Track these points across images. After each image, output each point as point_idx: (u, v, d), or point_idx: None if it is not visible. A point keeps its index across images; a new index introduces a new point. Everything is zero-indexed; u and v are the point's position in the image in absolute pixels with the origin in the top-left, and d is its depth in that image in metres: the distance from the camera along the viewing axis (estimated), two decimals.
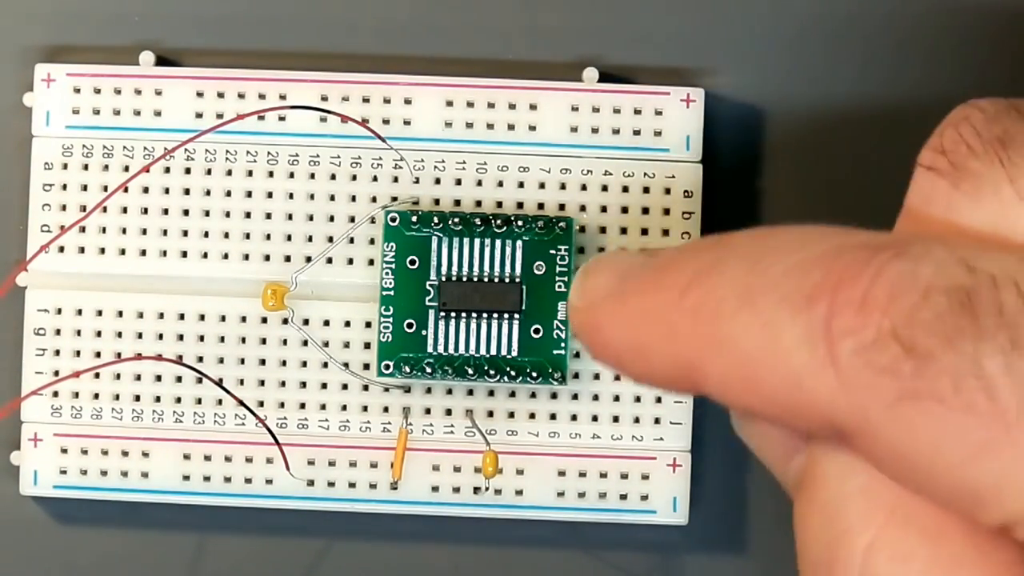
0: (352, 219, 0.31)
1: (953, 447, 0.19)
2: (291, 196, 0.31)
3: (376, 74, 0.31)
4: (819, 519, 0.21)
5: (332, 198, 0.31)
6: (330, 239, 0.31)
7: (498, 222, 0.30)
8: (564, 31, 0.31)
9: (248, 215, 0.31)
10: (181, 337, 0.31)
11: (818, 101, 0.31)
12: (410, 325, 0.30)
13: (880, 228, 0.31)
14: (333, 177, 0.31)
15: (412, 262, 0.30)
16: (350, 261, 0.31)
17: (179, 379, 0.31)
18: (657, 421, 0.31)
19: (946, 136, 0.22)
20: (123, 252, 0.31)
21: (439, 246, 0.30)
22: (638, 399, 0.31)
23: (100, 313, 0.31)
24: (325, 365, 0.31)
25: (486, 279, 0.30)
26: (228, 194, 0.31)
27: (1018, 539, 0.19)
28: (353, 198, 0.31)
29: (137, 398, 0.31)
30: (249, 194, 0.31)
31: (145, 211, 0.31)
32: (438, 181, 0.31)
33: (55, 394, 0.31)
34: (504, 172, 0.31)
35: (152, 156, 0.31)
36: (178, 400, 0.31)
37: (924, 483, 0.19)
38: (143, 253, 0.31)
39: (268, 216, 0.31)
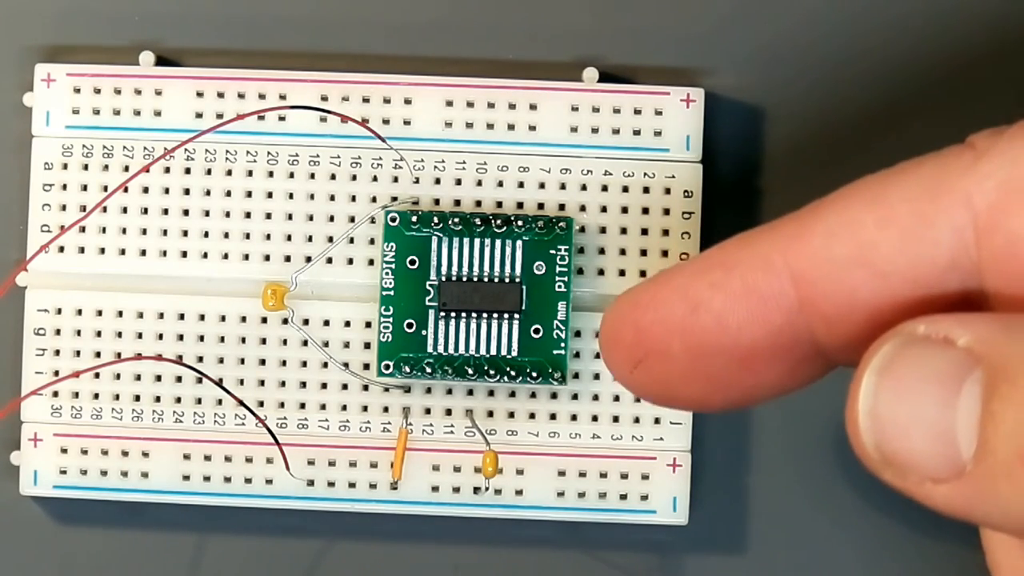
0: (352, 219, 0.31)
1: None
2: (291, 196, 0.31)
3: (376, 74, 0.31)
4: None
5: (332, 198, 0.31)
6: (330, 239, 0.31)
7: (498, 222, 0.30)
8: (564, 31, 0.31)
9: (248, 215, 0.31)
10: (181, 337, 0.31)
11: (818, 101, 0.31)
12: (410, 325, 0.30)
13: None
14: (333, 177, 0.31)
15: (412, 262, 0.30)
16: (350, 261, 0.31)
17: (179, 379, 0.31)
18: (657, 421, 0.31)
19: None
20: (123, 252, 0.31)
21: (439, 246, 0.30)
22: (638, 399, 0.31)
23: (100, 313, 0.31)
24: (325, 365, 0.31)
25: (486, 279, 0.30)
26: (228, 194, 0.31)
27: None
28: (353, 198, 0.31)
29: (137, 398, 0.31)
30: (249, 194, 0.31)
31: (145, 211, 0.31)
32: (438, 181, 0.31)
33: (55, 394, 0.31)
34: (504, 172, 0.31)
35: (152, 156, 0.31)
36: (178, 400, 0.31)
37: None
38: (143, 253, 0.31)
39: (268, 216, 0.31)
